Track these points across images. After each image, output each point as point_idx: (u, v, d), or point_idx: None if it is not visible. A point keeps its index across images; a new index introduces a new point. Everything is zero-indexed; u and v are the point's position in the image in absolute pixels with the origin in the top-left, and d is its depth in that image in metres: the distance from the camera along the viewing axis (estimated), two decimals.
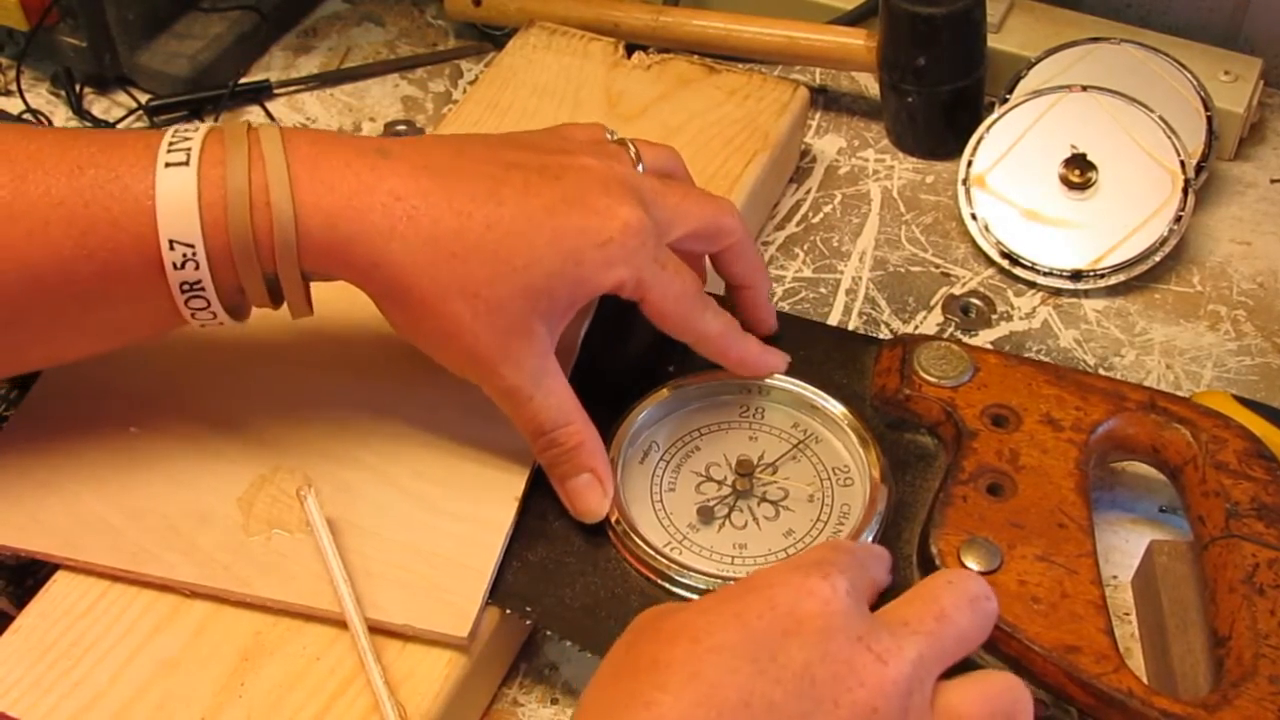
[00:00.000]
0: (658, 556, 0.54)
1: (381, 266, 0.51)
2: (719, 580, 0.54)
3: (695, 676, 0.42)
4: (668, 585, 0.54)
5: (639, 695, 0.42)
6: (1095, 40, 0.80)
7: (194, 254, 0.50)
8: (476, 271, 0.51)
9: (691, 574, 0.54)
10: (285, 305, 0.54)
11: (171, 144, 0.51)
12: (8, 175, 0.50)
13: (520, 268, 0.52)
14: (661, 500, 0.58)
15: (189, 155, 0.50)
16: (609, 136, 0.59)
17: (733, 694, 0.41)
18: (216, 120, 0.83)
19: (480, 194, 0.52)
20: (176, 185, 0.50)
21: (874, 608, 0.47)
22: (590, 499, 0.55)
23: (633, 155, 0.58)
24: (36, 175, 0.50)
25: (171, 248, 0.50)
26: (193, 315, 0.52)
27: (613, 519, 0.56)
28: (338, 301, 0.60)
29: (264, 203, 0.50)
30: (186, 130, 0.52)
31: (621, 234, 0.53)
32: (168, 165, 0.50)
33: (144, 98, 0.84)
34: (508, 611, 0.54)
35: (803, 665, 0.42)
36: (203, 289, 0.51)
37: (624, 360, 0.62)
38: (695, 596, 0.53)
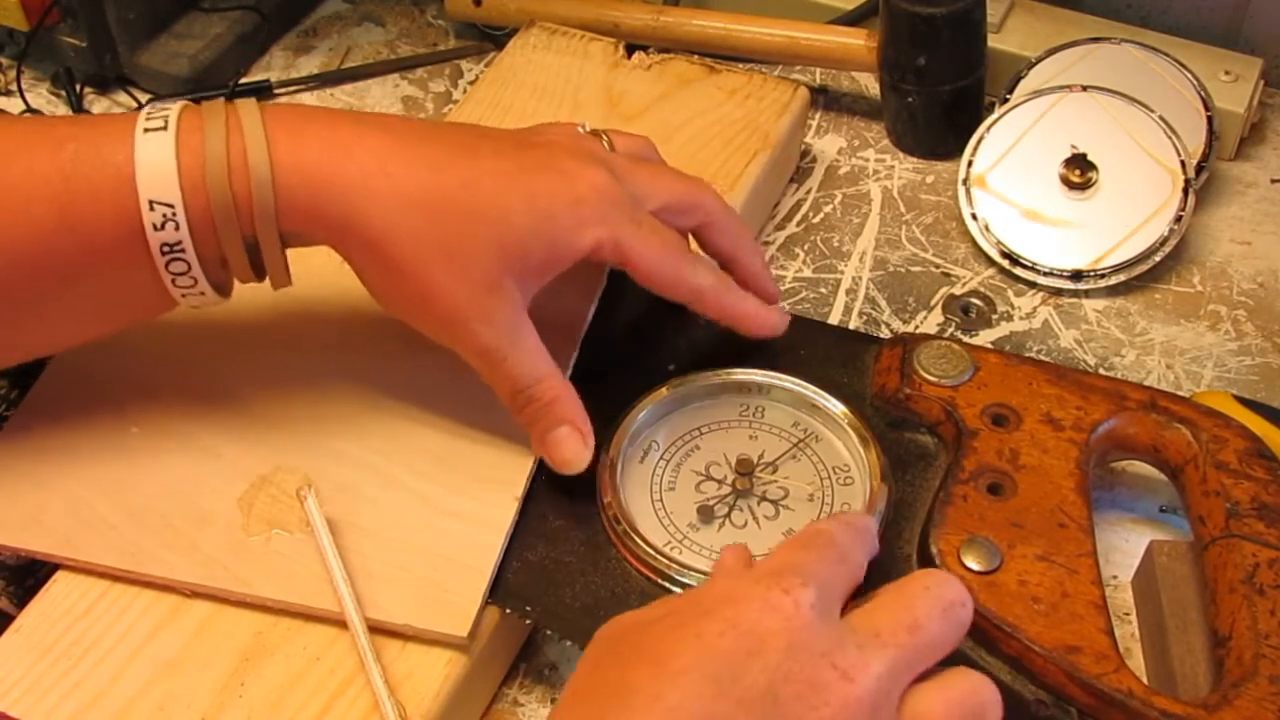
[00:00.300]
0: (658, 556, 0.54)
1: (358, 224, 0.52)
2: None
3: (657, 700, 0.41)
4: (668, 585, 0.54)
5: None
6: (1096, 40, 0.80)
7: (174, 214, 0.50)
8: (452, 229, 0.52)
9: (691, 573, 0.54)
10: (268, 280, 0.54)
11: (149, 114, 0.51)
12: None
13: (495, 224, 0.52)
14: (661, 499, 0.57)
15: (166, 122, 0.51)
16: (581, 129, 0.60)
17: (696, 717, 0.41)
18: None
19: (456, 156, 0.53)
20: (155, 149, 0.50)
21: (862, 590, 0.47)
22: (568, 448, 0.55)
23: (606, 143, 0.59)
24: (22, 156, 0.51)
25: (151, 208, 0.50)
26: (174, 282, 0.52)
27: (612, 517, 0.56)
28: (339, 303, 0.60)
29: (242, 164, 0.51)
30: (163, 104, 0.52)
31: (592, 193, 0.54)
32: (146, 131, 0.51)
33: (144, 98, 0.84)
34: (508, 611, 0.54)
35: (766, 686, 0.42)
36: (183, 251, 0.51)
37: (624, 359, 0.62)
38: None
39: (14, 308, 0.52)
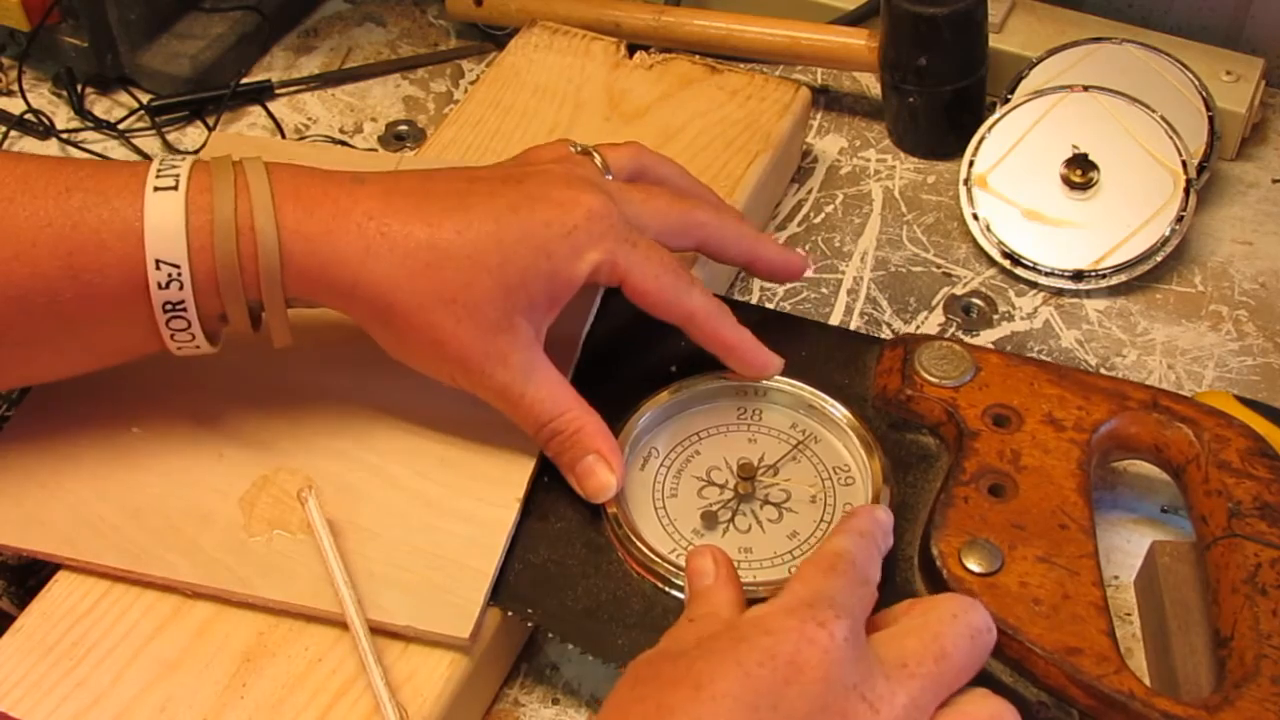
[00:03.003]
0: (663, 563, 0.54)
1: (361, 285, 0.53)
2: None
3: None
4: (673, 591, 0.54)
5: None
6: (1097, 40, 0.80)
7: (179, 274, 0.51)
8: (452, 278, 0.52)
9: None
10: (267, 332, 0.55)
11: (160, 171, 0.52)
12: None
13: (494, 267, 0.53)
14: (665, 506, 0.57)
15: (177, 181, 0.52)
16: (573, 149, 0.60)
17: None
18: (218, 120, 0.83)
19: (449, 206, 0.54)
20: (165, 208, 0.51)
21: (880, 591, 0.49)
22: (597, 476, 0.55)
23: (598, 162, 0.59)
24: (24, 198, 0.51)
25: (158, 267, 0.51)
26: (172, 337, 0.53)
27: (614, 519, 0.56)
28: None
29: (249, 227, 0.51)
30: (173, 160, 0.53)
31: (586, 220, 0.54)
32: (156, 189, 0.51)
33: (145, 98, 0.84)
34: (509, 614, 0.54)
35: (803, 715, 0.43)
36: (184, 309, 0.52)
37: (625, 361, 0.62)
38: None
39: (9, 344, 0.53)
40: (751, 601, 0.50)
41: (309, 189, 0.53)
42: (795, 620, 0.45)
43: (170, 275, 0.51)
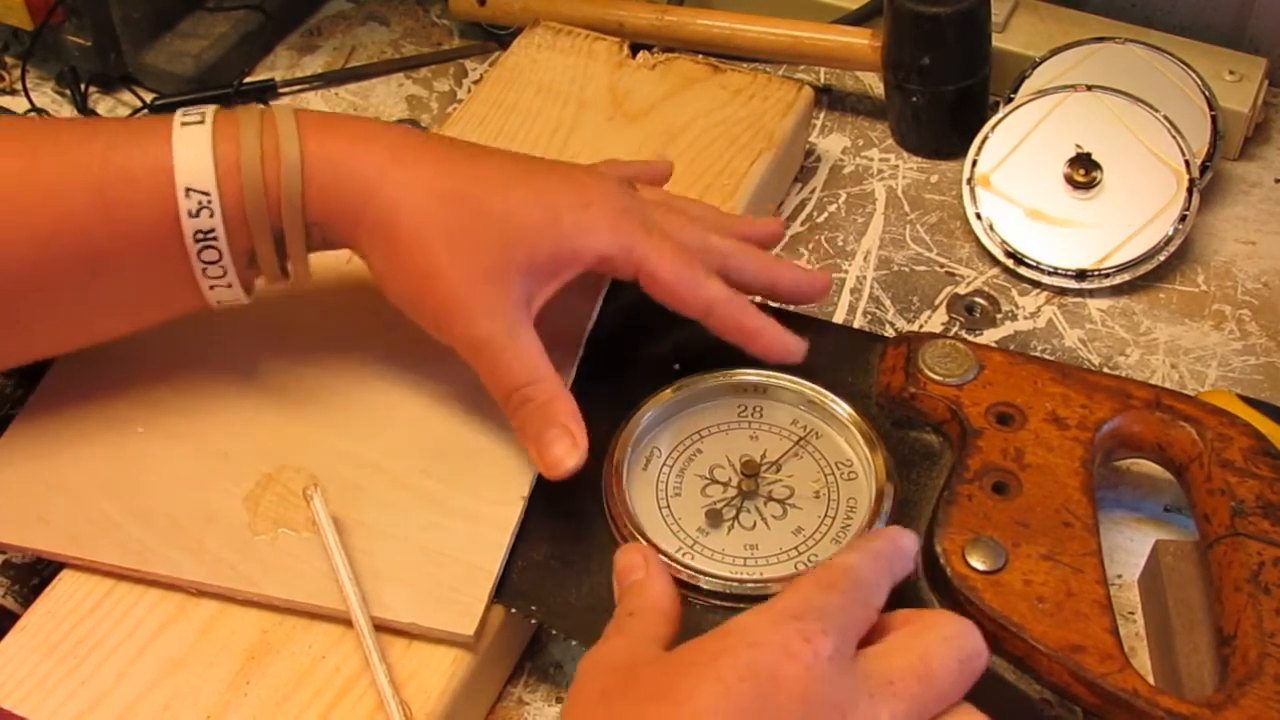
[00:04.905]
0: (670, 563, 0.54)
1: (372, 204, 0.53)
2: (734, 582, 0.54)
3: None
4: (681, 591, 0.54)
5: None
6: (1100, 40, 0.80)
7: (209, 201, 0.51)
8: (456, 214, 0.53)
9: (705, 578, 0.54)
10: (289, 282, 0.55)
11: (185, 111, 0.53)
12: (22, 145, 0.52)
13: (499, 217, 0.53)
14: (669, 506, 0.57)
15: (204, 117, 0.52)
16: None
17: None
18: None
19: (467, 156, 0.55)
20: (192, 140, 0.52)
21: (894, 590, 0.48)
22: (559, 448, 0.54)
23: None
24: (50, 146, 0.52)
25: (187, 195, 0.51)
26: (204, 270, 0.53)
27: (622, 526, 0.56)
28: (347, 303, 0.60)
29: (274, 154, 0.52)
30: (197, 106, 0.54)
31: (603, 199, 0.55)
32: (183, 125, 0.52)
33: (149, 97, 0.84)
34: (513, 611, 0.54)
35: None
36: (215, 239, 0.52)
37: (629, 358, 0.62)
38: (708, 600, 0.54)
39: (42, 298, 0.53)
40: (758, 599, 0.50)
41: (333, 120, 0.54)
42: (779, 634, 0.43)
43: (200, 203, 0.51)
